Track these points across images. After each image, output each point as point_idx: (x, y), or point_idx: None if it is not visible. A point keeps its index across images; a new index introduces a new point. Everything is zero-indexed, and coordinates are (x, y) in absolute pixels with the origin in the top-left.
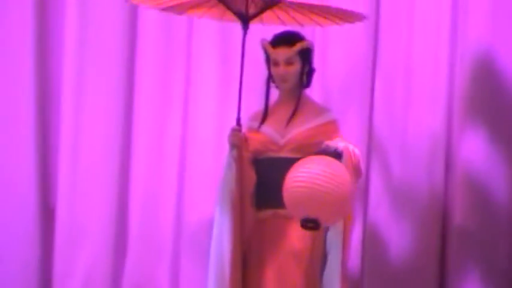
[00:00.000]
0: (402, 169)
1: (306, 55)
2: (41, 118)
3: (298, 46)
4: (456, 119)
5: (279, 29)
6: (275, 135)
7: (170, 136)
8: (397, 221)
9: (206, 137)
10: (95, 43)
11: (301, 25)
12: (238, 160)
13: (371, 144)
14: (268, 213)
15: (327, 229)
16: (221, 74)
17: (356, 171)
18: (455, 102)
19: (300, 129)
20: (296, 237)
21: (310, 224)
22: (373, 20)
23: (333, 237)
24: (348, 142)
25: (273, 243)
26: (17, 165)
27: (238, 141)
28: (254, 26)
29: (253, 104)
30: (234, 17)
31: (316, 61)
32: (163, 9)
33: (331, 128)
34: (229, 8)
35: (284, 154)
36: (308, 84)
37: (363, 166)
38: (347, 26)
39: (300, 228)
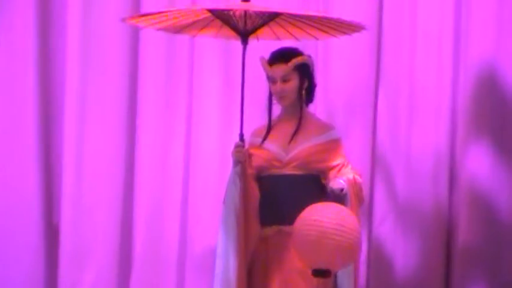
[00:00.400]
0: (406, 185)
1: (304, 71)
2: (45, 135)
3: (294, 62)
4: (460, 134)
5: (280, 44)
6: (279, 152)
7: (174, 153)
8: (402, 237)
9: (210, 153)
10: (97, 58)
11: (297, 39)
12: (243, 176)
13: (375, 159)
14: (273, 230)
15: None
16: (224, 90)
17: (359, 201)
18: (458, 118)
19: (304, 146)
20: None
21: (322, 273)
22: (375, 36)
23: (344, 277)
24: (350, 167)
25: (278, 261)
26: (21, 182)
27: (242, 157)
28: (258, 42)
29: (256, 119)
30: (231, 33)
31: (319, 77)
32: (160, 29)
33: (335, 146)
34: (227, 24)
35: (288, 171)
36: (310, 99)
37: (365, 189)
38: (350, 42)
39: None
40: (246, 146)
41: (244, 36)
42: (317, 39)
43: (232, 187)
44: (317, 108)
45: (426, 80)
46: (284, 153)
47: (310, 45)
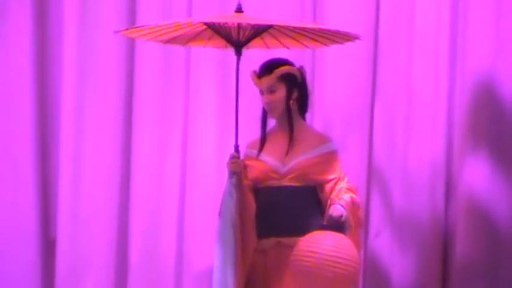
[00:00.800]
0: (403, 197)
1: (291, 81)
2: (41, 149)
3: (277, 72)
4: (456, 146)
5: (272, 53)
6: (276, 164)
7: (170, 164)
8: (398, 249)
9: (206, 164)
10: (93, 70)
11: (287, 48)
12: (239, 187)
13: (371, 171)
14: (271, 242)
15: None
16: (220, 101)
17: (358, 222)
18: (455, 129)
19: (302, 158)
20: None
21: None
22: (371, 47)
23: None
24: (346, 180)
25: (278, 273)
26: (18, 196)
27: (237, 168)
28: (249, 51)
29: (253, 131)
30: (223, 43)
31: (316, 89)
32: (154, 41)
33: (332, 158)
34: (221, 35)
35: (285, 183)
36: (304, 110)
37: (361, 201)
38: (346, 54)
39: None
40: (242, 157)
41: (238, 47)
42: (307, 47)
43: (228, 198)
44: (314, 120)
45: (423, 92)
46: (281, 165)
47: (306, 56)
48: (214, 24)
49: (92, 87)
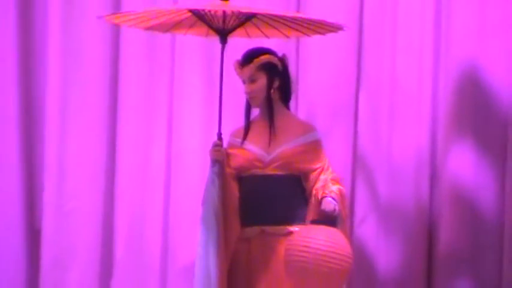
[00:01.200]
0: (388, 185)
1: (272, 70)
2: (26, 140)
3: (256, 62)
4: (441, 134)
5: (254, 43)
6: (260, 153)
7: (155, 156)
8: (383, 237)
9: (191, 155)
10: (78, 63)
11: (267, 37)
12: (221, 175)
13: (356, 160)
14: (255, 230)
15: None
16: (205, 91)
17: (346, 211)
18: (439, 118)
19: (286, 147)
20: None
21: None
22: (356, 37)
23: None
24: (330, 170)
25: (263, 262)
26: (3, 187)
27: (220, 156)
28: (238, 42)
29: (238, 120)
30: (205, 32)
31: (301, 79)
32: (139, 28)
33: (316, 147)
34: (206, 23)
35: (270, 172)
36: (287, 98)
37: (346, 189)
38: (331, 44)
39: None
40: (225, 146)
41: (223, 35)
42: (288, 37)
43: (211, 187)
44: (298, 109)
45: (407, 82)
46: (266, 154)
47: (290, 46)
48: (199, 11)
49: (77, 77)
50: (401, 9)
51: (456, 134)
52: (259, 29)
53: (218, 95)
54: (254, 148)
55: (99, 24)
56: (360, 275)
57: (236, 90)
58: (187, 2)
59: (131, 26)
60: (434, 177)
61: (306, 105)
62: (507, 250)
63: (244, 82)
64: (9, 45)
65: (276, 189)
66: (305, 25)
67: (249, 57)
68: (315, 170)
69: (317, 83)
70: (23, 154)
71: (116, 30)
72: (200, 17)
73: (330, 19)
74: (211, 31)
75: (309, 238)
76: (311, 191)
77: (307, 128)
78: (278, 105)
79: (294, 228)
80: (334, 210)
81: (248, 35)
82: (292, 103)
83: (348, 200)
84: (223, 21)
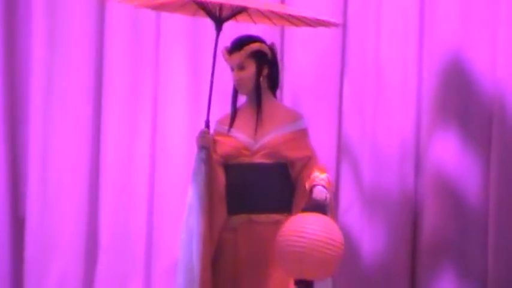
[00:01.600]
0: (373, 173)
1: (261, 58)
2: (10, 129)
3: (246, 50)
4: (425, 123)
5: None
6: (247, 140)
7: (140, 146)
8: (368, 225)
9: (176, 146)
10: (62, 56)
11: (255, 23)
12: (208, 161)
13: (341, 148)
14: (241, 218)
15: None
16: (190, 82)
17: (333, 198)
18: (424, 107)
19: (273, 135)
20: (273, 242)
21: (305, 284)
22: (340, 25)
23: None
24: (316, 159)
25: (248, 250)
26: None
27: (207, 142)
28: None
29: (224, 108)
30: (196, 13)
31: (286, 66)
32: (135, 5)
33: (303, 135)
34: (203, 10)
35: (257, 159)
36: (274, 87)
37: (331, 177)
38: (316, 31)
39: (274, 233)
40: (212, 132)
41: (219, 22)
42: (275, 25)
43: (197, 173)
44: (283, 97)
45: (392, 71)
46: (253, 142)
47: (275, 33)
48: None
49: (61, 70)
50: None
51: (440, 123)
52: (251, 18)
53: (204, 83)
54: (241, 136)
55: (83, 17)
56: (345, 262)
57: (222, 78)
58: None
59: (136, 6)
60: (418, 166)
61: (291, 93)
62: (491, 238)
63: (232, 69)
64: None
65: (263, 177)
66: (299, 19)
67: (239, 44)
68: (302, 158)
69: (302, 72)
70: (7, 144)
71: (100, 22)
72: (200, 5)
73: (316, 9)
74: (198, 11)
75: (303, 226)
76: (297, 179)
77: (295, 116)
78: (266, 93)
79: (281, 216)
80: (326, 198)
81: (236, 20)
82: (277, 91)
83: (334, 188)
84: (220, 10)
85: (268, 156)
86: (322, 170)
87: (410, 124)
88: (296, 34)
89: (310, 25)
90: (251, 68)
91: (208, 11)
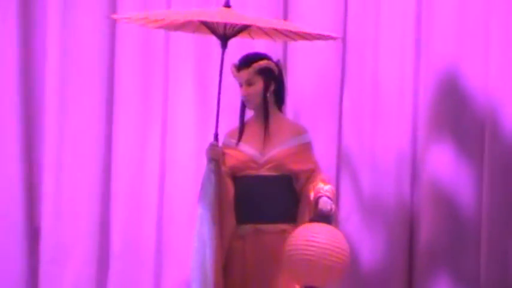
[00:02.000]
0: (371, 183)
1: (268, 74)
2: (26, 142)
3: (255, 67)
4: (421, 134)
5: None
6: (254, 154)
7: (150, 155)
8: (367, 233)
9: (185, 154)
10: (76, 63)
11: (252, 39)
12: (217, 173)
13: (340, 158)
14: (249, 228)
15: None
16: (198, 92)
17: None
18: (420, 120)
19: (279, 149)
20: (279, 250)
21: None
22: (340, 41)
23: None
24: (320, 171)
25: (256, 258)
26: (5, 189)
27: (216, 155)
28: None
29: (232, 121)
30: (198, 29)
31: (288, 80)
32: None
33: (307, 148)
34: (209, 28)
35: (263, 172)
36: (280, 102)
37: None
38: (317, 46)
39: (280, 241)
40: (220, 145)
41: (224, 40)
42: (275, 41)
43: (207, 184)
44: (286, 109)
45: (389, 84)
46: (259, 155)
47: (278, 49)
48: (207, 21)
49: (74, 80)
50: (384, 15)
51: (436, 134)
52: (254, 35)
53: (211, 97)
54: (249, 149)
55: (96, 26)
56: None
57: (229, 93)
58: (184, 3)
59: (141, 25)
60: (415, 175)
61: (293, 106)
62: (484, 244)
63: (241, 85)
64: (9, 44)
65: (269, 189)
66: (299, 35)
67: (247, 61)
68: (306, 171)
69: (304, 84)
70: (23, 158)
71: (112, 33)
72: (205, 24)
73: (317, 24)
74: (200, 28)
75: (312, 236)
76: (302, 191)
77: (299, 130)
78: (272, 108)
79: (287, 226)
80: (331, 209)
81: (251, 37)
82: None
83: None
84: (224, 28)
85: (274, 169)
86: (326, 182)
87: (407, 136)
88: (298, 49)
89: (308, 39)
90: (259, 84)
91: (214, 30)
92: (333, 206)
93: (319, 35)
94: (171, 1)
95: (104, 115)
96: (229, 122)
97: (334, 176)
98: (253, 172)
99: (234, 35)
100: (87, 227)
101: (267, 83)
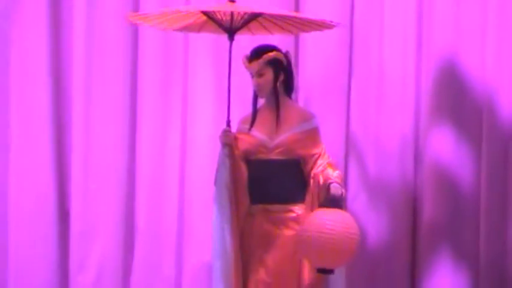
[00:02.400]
0: (376, 166)
1: (277, 65)
2: (57, 136)
3: (265, 58)
4: (423, 119)
5: (260, 40)
6: (264, 139)
7: (171, 144)
8: (373, 212)
9: (204, 142)
10: (100, 62)
11: (271, 33)
12: (231, 157)
13: (348, 143)
14: (259, 207)
15: None
16: (215, 84)
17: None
18: (422, 106)
19: (288, 134)
20: (282, 225)
21: (327, 271)
22: (347, 34)
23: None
24: (327, 156)
25: (263, 234)
26: (39, 176)
27: (229, 140)
28: (244, 39)
29: (245, 109)
30: (217, 30)
31: (299, 70)
32: (156, 27)
33: (315, 134)
34: (217, 23)
35: (273, 156)
36: (290, 90)
37: (340, 169)
38: (325, 39)
39: (284, 218)
40: (235, 130)
41: (231, 33)
42: (289, 33)
43: (222, 167)
44: (298, 97)
45: (393, 73)
46: (269, 140)
47: (289, 40)
48: (210, 12)
49: (99, 80)
50: (388, 10)
51: (436, 119)
52: (263, 26)
53: (227, 87)
54: (259, 135)
55: (119, 26)
56: None
57: (243, 83)
58: (199, 2)
59: (152, 26)
60: (417, 159)
61: (304, 94)
62: (483, 222)
63: (252, 76)
64: (41, 52)
65: (278, 172)
66: (304, 23)
67: (257, 53)
68: (313, 155)
69: (314, 74)
70: (54, 148)
71: (134, 33)
72: (211, 17)
73: (325, 18)
74: (219, 29)
75: (324, 220)
76: (309, 174)
77: (307, 116)
78: (282, 97)
79: (293, 206)
80: (342, 194)
81: (252, 33)
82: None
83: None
84: (231, 21)
85: (283, 153)
86: (334, 167)
87: (410, 122)
88: (309, 42)
89: (316, 29)
90: (269, 75)
91: (220, 23)
92: (343, 191)
93: (322, 22)
94: (190, 1)
95: (128, 110)
96: (244, 109)
97: (343, 159)
98: (263, 156)
99: (241, 27)
100: (113, 210)
101: (277, 73)
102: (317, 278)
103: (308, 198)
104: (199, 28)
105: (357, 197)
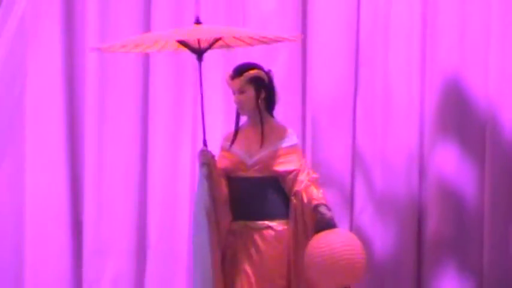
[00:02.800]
0: (382, 179)
1: (259, 83)
2: (70, 145)
3: (246, 76)
4: (428, 135)
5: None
6: (244, 156)
7: (182, 155)
8: (379, 225)
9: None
10: (114, 73)
11: (230, 46)
12: (209, 176)
13: (355, 157)
14: (240, 224)
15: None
16: (224, 99)
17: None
18: (427, 123)
19: (267, 151)
20: (263, 243)
21: None
22: (353, 51)
23: None
24: (307, 172)
25: (245, 250)
26: (53, 189)
27: (206, 159)
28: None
29: (231, 125)
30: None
31: (307, 87)
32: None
33: (293, 151)
34: (186, 46)
35: (251, 174)
36: (271, 108)
37: (346, 183)
38: (331, 58)
39: (265, 235)
40: (219, 148)
41: (199, 54)
42: (251, 45)
43: (201, 187)
44: (306, 114)
45: (398, 90)
46: (249, 158)
47: (296, 58)
48: (184, 40)
49: (113, 88)
50: (393, 28)
51: (441, 134)
52: (226, 44)
53: (200, 107)
54: (239, 152)
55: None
56: None
57: (231, 98)
58: (163, 23)
59: (125, 52)
60: (422, 173)
61: (311, 112)
62: (487, 235)
63: (234, 93)
64: (55, 64)
65: (256, 189)
66: (261, 40)
67: (239, 71)
68: (291, 172)
69: (321, 90)
70: (68, 161)
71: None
72: (182, 43)
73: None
74: (181, 47)
75: (329, 244)
76: (291, 191)
77: (285, 133)
78: (263, 114)
79: (272, 222)
80: (331, 216)
81: (221, 47)
82: (299, 108)
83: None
84: (199, 43)
85: (260, 171)
86: (316, 184)
87: (415, 138)
88: (316, 60)
89: (270, 42)
90: (250, 92)
91: (190, 47)
92: (329, 213)
93: (279, 37)
94: (199, 10)
95: (139, 117)
96: (230, 125)
97: (349, 172)
98: (243, 173)
99: (208, 49)
100: (126, 222)
101: (258, 91)
102: None
103: (292, 215)
104: (174, 49)
105: (364, 211)
